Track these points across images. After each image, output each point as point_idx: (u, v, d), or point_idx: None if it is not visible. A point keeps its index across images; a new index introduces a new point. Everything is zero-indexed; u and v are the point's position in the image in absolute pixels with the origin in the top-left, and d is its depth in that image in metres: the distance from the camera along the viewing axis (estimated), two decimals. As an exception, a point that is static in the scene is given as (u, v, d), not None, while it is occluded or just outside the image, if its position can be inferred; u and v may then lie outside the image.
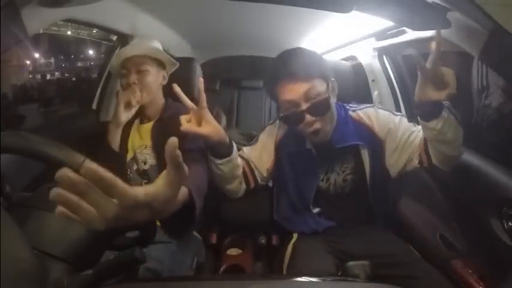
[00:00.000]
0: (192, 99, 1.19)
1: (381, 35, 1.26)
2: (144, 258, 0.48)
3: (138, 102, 0.98)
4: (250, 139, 1.98)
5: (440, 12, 0.80)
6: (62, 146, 0.47)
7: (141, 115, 1.06)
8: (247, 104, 2.50)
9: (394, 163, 0.93)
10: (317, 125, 0.83)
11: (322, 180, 0.94)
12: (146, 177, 1.01)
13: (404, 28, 1.09)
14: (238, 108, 2.50)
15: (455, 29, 0.84)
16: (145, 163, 1.01)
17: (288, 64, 0.82)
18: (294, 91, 0.80)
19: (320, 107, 0.81)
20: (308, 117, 0.80)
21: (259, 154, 0.97)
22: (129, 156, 1.03)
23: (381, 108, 0.96)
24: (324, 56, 1.89)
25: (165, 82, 1.06)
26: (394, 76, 1.47)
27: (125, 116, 0.98)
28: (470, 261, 0.91)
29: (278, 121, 0.98)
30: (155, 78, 1.02)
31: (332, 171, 0.93)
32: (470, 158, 0.97)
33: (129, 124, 1.04)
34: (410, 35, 1.11)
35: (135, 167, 1.02)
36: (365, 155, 0.92)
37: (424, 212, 1.13)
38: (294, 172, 0.94)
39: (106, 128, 1.01)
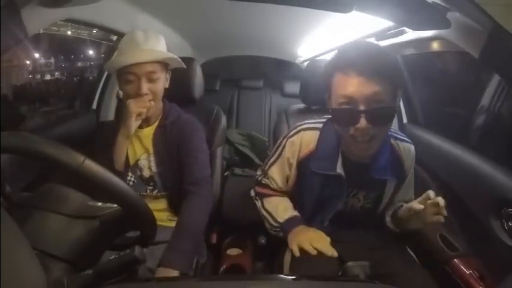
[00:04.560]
0: (192, 100, 1.21)
1: (380, 35, 1.26)
2: (144, 258, 0.48)
3: (148, 112, 0.94)
4: (250, 139, 2.00)
5: (440, 12, 0.80)
6: (62, 146, 0.47)
7: None
8: (247, 104, 2.50)
9: (399, 200, 0.94)
10: (368, 136, 0.70)
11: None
12: (152, 183, 1.00)
13: (404, 28, 1.09)
14: (238, 108, 2.50)
15: (455, 29, 0.84)
16: (150, 169, 0.99)
17: (360, 54, 0.69)
18: (356, 88, 0.67)
19: (382, 115, 0.69)
20: (363, 122, 0.67)
21: (283, 169, 0.92)
22: (131, 162, 0.99)
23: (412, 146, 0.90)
24: (324, 57, 1.91)
25: (167, 85, 0.99)
26: (394, 76, 1.46)
27: (134, 126, 0.93)
28: (470, 261, 0.91)
29: (297, 136, 0.88)
30: (163, 84, 0.96)
31: (355, 196, 0.88)
32: (470, 157, 0.97)
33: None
34: (410, 35, 1.11)
35: (138, 173, 1.00)
36: (390, 188, 0.87)
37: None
38: (318, 193, 0.88)
39: (112, 141, 0.93)
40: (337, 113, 0.73)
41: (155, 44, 0.94)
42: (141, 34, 0.93)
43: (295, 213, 0.90)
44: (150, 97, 0.92)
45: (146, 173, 1.00)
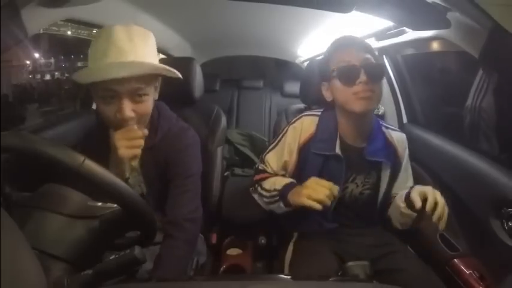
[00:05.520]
0: (192, 100, 1.21)
1: (381, 35, 1.26)
2: (144, 258, 0.48)
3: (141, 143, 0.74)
4: (250, 139, 2.01)
5: (440, 12, 0.80)
6: (62, 146, 0.47)
7: None
8: (247, 104, 2.50)
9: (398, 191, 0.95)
10: (369, 91, 0.81)
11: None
12: (145, 199, 0.90)
13: (404, 28, 1.09)
14: (238, 108, 2.50)
15: (455, 29, 0.84)
16: (141, 187, 0.89)
17: (348, 39, 0.88)
18: (351, 55, 0.83)
19: (376, 70, 0.83)
20: (363, 76, 0.80)
21: (281, 155, 0.95)
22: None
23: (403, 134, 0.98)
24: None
25: (157, 96, 0.82)
26: (394, 76, 1.47)
27: (129, 170, 0.76)
28: (470, 261, 0.91)
29: (299, 121, 0.94)
30: (152, 99, 0.79)
31: (353, 181, 0.92)
32: (470, 157, 0.97)
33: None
34: (410, 35, 1.11)
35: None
36: (386, 174, 0.92)
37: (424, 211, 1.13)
38: (319, 175, 0.88)
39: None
40: (341, 71, 0.84)
41: (142, 48, 0.71)
42: (123, 33, 0.69)
43: (293, 180, 0.89)
44: (135, 121, 0.73)
45: (138, 190, 0.89)
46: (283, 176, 0.96)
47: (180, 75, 0.83)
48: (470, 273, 0.88)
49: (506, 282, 0.52)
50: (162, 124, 0.86)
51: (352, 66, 0.81)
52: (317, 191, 0.73)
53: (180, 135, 0.87)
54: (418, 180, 1.04)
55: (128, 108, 0.70)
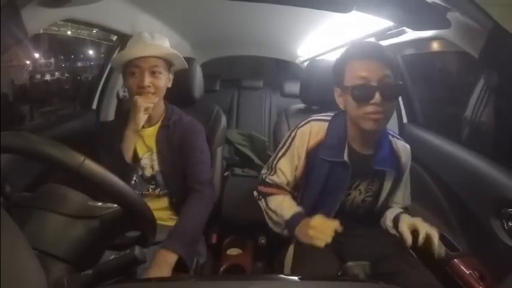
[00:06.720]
0: (192, 100, 1.21)
1: (381, 35, 1.26)
2: (144, 258, 0.48)
3: (153, 106, 0.97)
4: (250, 139, 2.01)
5: (440, 12, 0.80)
6: (62, 146, 0.47)
7: None
8: (247, 104, 2.51)
9: (396, 201, 0.98)
10: (381, 112, 0.79)
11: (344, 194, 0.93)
12: (154, 182, 1.02)
13: (404, 28, 1.09)
14: (238, 108, 2.50)
15: (455, 29, 0.84)
16: (153, 168, 1.01)
17: (369, 47, 0.82)
18: (369, 70, 0.78)
19: (392, 91, 0.80)
20: (377, 97, 0.77)
21: (292, 159, 0.95)
22: (134, 161, 1.00)
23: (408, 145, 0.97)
24: (324, 56, 1.90)
25: (169, 84, 1.02)
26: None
27: (143, 121, 0.96)
28: (470, 261, 0.91)
29: (307, 126, 0.93)
30: (165, 81, 0.99)
31: (357, 188, 0.92)
32: (470, 157, 0.97)
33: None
34: (410, 35, 1.11)
35: (140, 172, 1.01)
36: (388, 182, 0.92)
37: (424, 211, 1.13)
38: (323, 182, 0.91)
39: (116, 139, 0.96)
40: (355, 90, 0.80)
41: (160, 42, 1.00)
42: (148, 33, 1.00)
43: (299, 209, 0.91)
44: (152, 90, 0.95)
45: (148, 172, 1.01)
46: (288, 192, 0.97)
47: (186, 66, 1.07)
48: (470, 273, 0.88)
49: (506, 282, 0.52)
50: (175, 113, 1.06)
51: (367, 87, 0.78)
52: (323, 233, 0.78)
53: (191, 123, 1.06)
54: (418, 180, 1.04)
55: (147, 80, 0.94)
